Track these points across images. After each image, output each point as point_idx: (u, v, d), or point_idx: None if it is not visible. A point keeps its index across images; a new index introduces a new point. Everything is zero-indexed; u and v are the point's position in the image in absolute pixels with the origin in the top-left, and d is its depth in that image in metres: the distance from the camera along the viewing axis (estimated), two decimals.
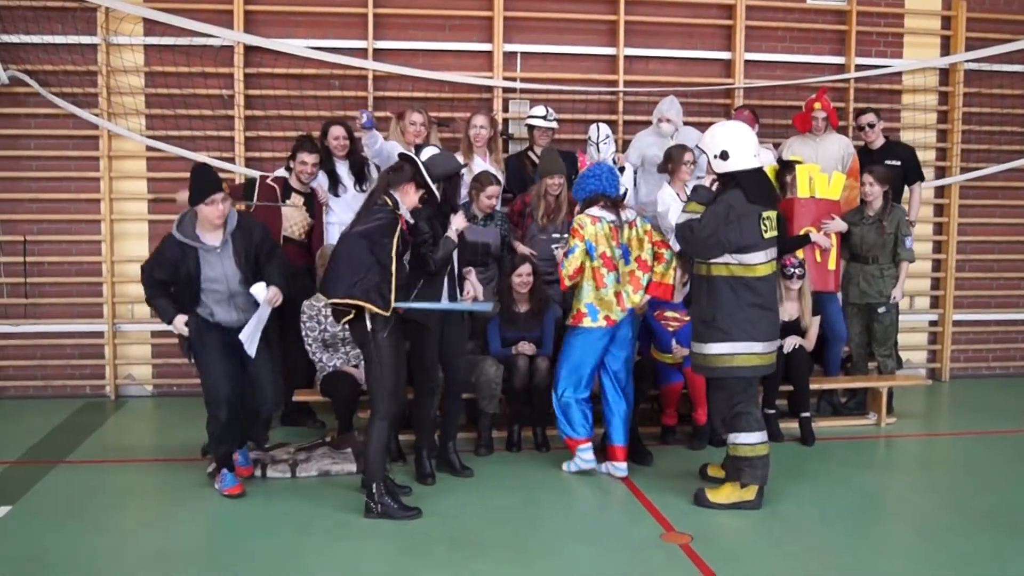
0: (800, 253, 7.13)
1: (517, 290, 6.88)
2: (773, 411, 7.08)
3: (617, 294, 6.21)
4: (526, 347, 6.83)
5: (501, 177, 7.48)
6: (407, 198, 5.63)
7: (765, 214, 5.56)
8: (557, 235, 7.09)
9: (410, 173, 5.63)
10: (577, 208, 6.44)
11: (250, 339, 5.70)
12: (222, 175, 6.45)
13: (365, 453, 5.60)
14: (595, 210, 6.24)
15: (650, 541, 5.09)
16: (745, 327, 5.57)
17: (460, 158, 7.35)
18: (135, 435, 6.85)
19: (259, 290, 5.68)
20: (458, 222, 5.95)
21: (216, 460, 5.92)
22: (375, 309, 5.33)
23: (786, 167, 7.49)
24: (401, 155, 5.94)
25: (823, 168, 7.65)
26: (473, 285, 6.39)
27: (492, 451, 6.75)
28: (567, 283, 6.24)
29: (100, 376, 8.57)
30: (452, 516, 5.49)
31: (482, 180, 7.05)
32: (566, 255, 6.18)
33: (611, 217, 6.23)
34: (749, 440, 5.62)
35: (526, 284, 6.85)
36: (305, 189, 7.24)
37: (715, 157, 5.61)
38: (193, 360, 5.82)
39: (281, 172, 7.44)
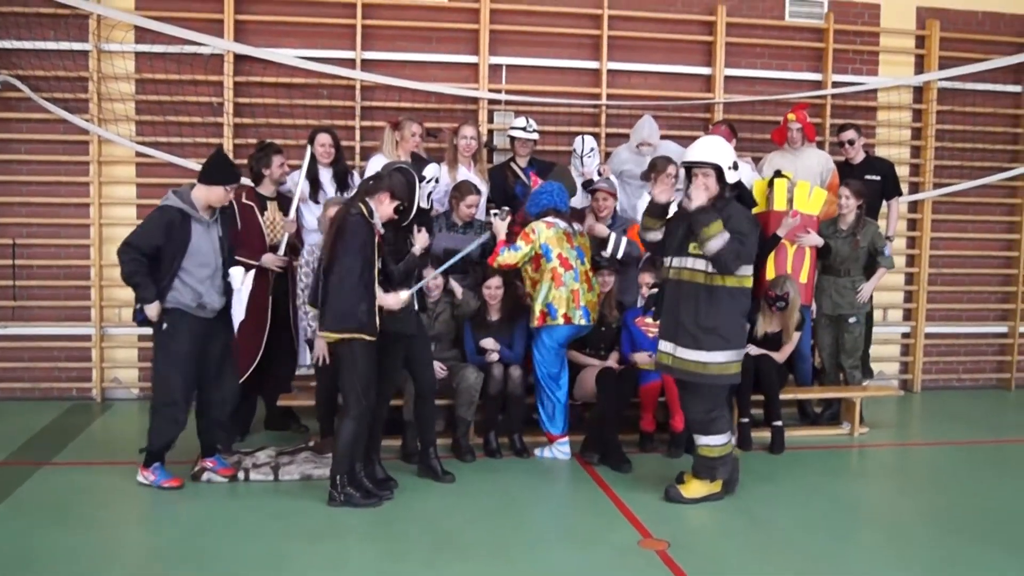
0: (789, 262, 7.43)
1: (488, 301, 7.04)
2: (747, 420, 7.24)
3: (573, 292, 6.71)
4: (490, 343, 6.92)
5: (485, 187, 7.63)
6: (382, 207, 5.75)
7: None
8: None
9: (387, 183, 5.75)
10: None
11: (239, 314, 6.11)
12: None
13: (334, 446, 5.80)
14: (548, 218, 6.79)
15: (628, 547, 5.15)
16: (741, 335, 5.89)
17: (445, 168, 7.56)
18: (121, 437, 6.90)
19: (237, 273, 6.02)
20: (420, 240, 6.09)
21: (153, 455, 6.03)
22: (368, 338, 5.61)
23: (773, 181, 7.61)
24: (393, 165, 6.02)
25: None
26: (454, 287, 6.94)
27: (475, 457, 6.81)
28: (495, 263, 6.82)
29: (87, 379, 8.64)
30: (433, 519, 5.56)
31: (462, 189, 7.21)
32: (509, 247, 6.70)
33: (563, 224, 6.81)
34: (720, 441, 5.89)
35: (495, 296, 7.00)
36: (273, 193, 7.26)
37: (729, 169, 5.81)
38: (162, 353, 5.96)
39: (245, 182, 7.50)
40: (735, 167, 5.81)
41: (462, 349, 7.15)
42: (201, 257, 5.93)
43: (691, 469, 6.03)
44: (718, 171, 5.77)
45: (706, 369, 5.76)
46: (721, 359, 5.75)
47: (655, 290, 6.19)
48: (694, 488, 5.94)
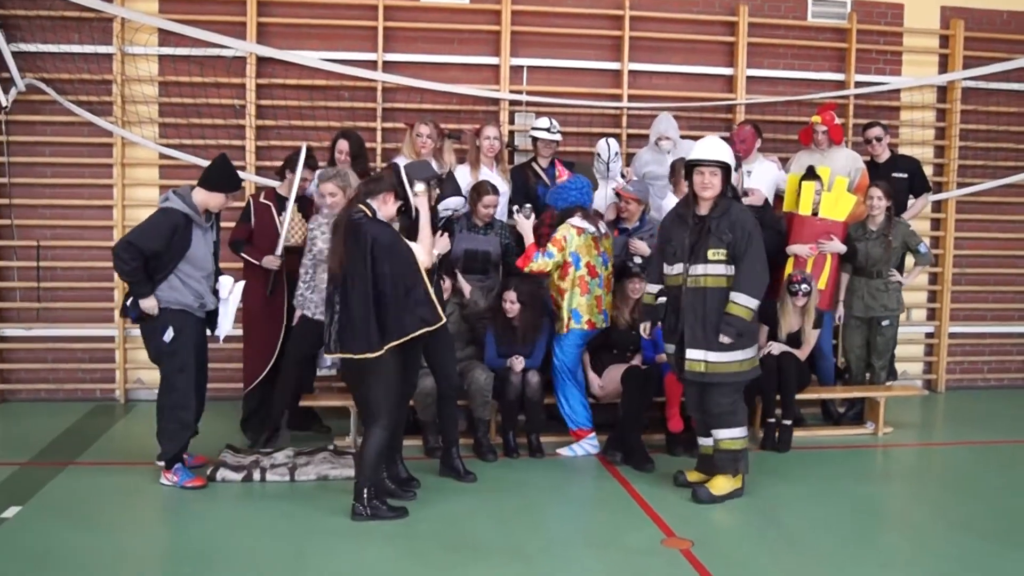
0: (809, 267, 7.38)
1: (508, 316, 6.95)
2: (773, 420, 7.23)
3: (597, 298, 6.86)
4: (516, 363, 6.90)
5: (507, 188, 7.64)
6: (385, 208, 5.62)
7: None
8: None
9: (389, 183, 5.68)
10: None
11: (225, 327, 6.14)
12: None
13: (360, 457, 5.62)
14: (578, 220, 6.78)
15: (651, 547, 5.15)
16: (756, 326, 6.07)
17: (468, 169, 7.57)
18: (143, 438, 6.90)
19: (227, 282, 6.09)
20: (440, 245, 6.09)
21: (170, 459, 6.09)
22: (435, 327, 5.60)
23: (808, 176, 7.64)
24: (389, 166, 6.08)
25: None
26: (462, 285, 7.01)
27: (498, 457, 6.82)
28: (526, 269, 6.85)
29: (110, 380, 8.69)
30: (452, 520, 5.55)
31: (480, 190, 7.21)
32: (543, 254, 6.74)
33: (592, 228, 6.82)
34: (742, 433, 5.98)
35: (511, 311, 6.90)
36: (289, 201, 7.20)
37: (735, 169, 5.97)
38: (168, 359, 6.03)
39: (271, 182, 7.61)
40: (737, 168, 5.88)
41: (478, 347, 7.15)
42: (199, 261, 6.04)
43: (714, 467, 6.01)
44: (725, 170, 5.80)
45: (741, 367, 5.86)
46: (751, 354, 5.91)
47: (662, 299, 6.09)
48: (720, 484, 5.94)
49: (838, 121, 8.20)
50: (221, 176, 6.09)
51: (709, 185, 5.79)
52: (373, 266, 5.40)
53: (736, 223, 5.77)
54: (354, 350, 5.45)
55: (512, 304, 6.87)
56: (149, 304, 5.91)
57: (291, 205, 7.00)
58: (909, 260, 8.04)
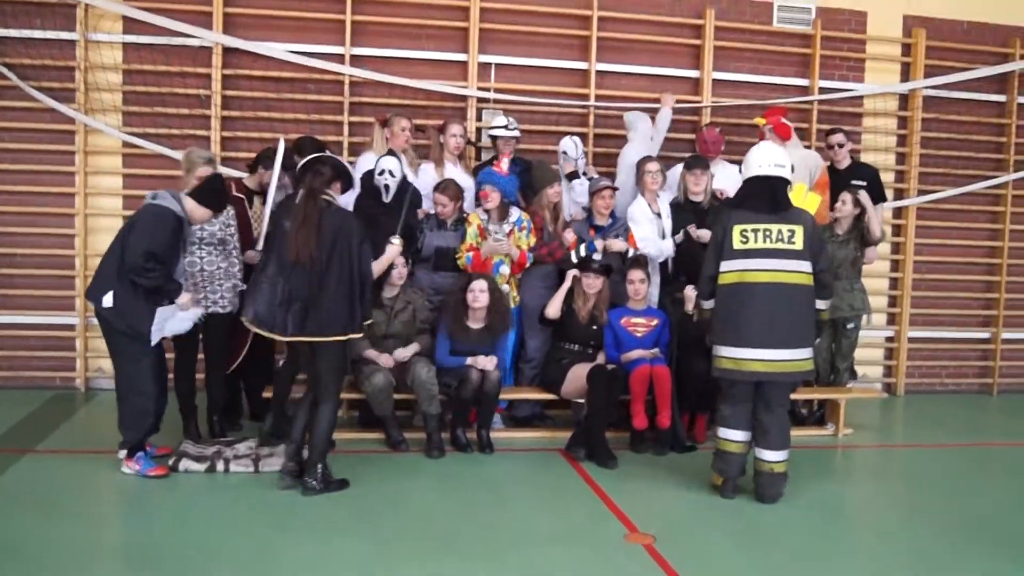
0: None
1: (471, 306, 6.93)
2: None
3: None
4: (483, 361, 6.85)
5: (471, 183, 7.66)
6: (338, 195, 6.00)
7: (743, 226, 5.80)
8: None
9: (332, 172, 5.92)
10: None
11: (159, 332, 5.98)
12: None
13: (313, 434, 5.79)
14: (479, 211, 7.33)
15: (614, 542, 5.16)
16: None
17: (432, 166, 7.62)
18: (104, 427, 6.80)
19: (185, 299, 6.00)
20: (391, 252, 6.56)
21: (132, 447, 6.04)
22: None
23: None
24: (316, 158, 6.07)
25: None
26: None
27: (444, 453, 6.75)
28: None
29: (70, 368, 8.60)
30: (417, 515, 5.53)
31: (437, 188, 7.36)
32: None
33: (483, 216, 7.38)
34: (718, 433, 6.03)
35: (479, 301, 6.90)
36: (258, 188, 7.21)
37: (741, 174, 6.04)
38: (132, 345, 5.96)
39: (237, 173, 7.64)
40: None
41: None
42: (187, 266, 6.33)
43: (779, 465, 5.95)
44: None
45: (809, 365, 5.90)
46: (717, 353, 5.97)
47: (710, 302, 6.02)
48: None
49: (784, 121, 8.22)
50: (214, 194, 6.14)
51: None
52: (351, 249, 5.64)
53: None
54: (335, 331, 5.67)
55: (482, 293, 6.87)
56: (187, 299, 5.96)
57: (270, 201, 6.94)
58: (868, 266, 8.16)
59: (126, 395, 6.02)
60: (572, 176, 7.82)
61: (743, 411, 5.92)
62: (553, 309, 7.16)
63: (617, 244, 7.38)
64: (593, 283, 7.11)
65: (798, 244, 5.78)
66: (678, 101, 8.94)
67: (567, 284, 7.17)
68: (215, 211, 6.17)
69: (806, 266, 5.82)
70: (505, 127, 7.85)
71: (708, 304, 6.03)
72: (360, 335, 5.90)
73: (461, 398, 6.83)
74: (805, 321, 5.87)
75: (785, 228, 5.78)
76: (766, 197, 5.82)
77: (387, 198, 7.07)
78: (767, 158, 5.85)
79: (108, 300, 5.84)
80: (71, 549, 4.84)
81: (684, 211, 7.61)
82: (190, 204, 6.01)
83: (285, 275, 5.68)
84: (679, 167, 7.87)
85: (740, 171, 5.99)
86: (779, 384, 5.87)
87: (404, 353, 6.86)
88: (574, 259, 7.29)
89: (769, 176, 5.81)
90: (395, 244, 6.62)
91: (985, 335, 10.18)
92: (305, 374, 6.12)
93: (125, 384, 6.02)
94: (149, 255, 5.73)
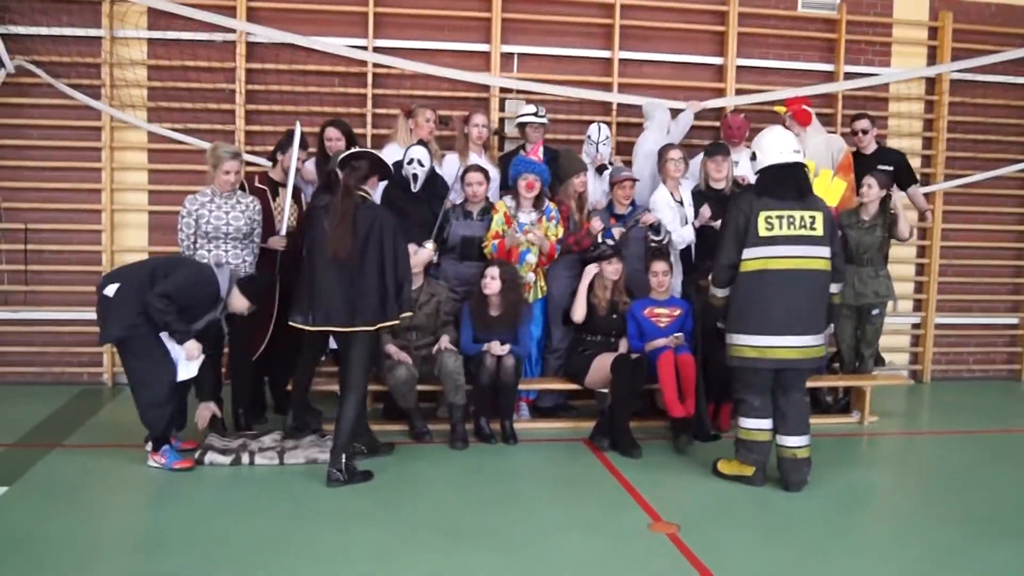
0: None
1: (485, 292, 6.96)
2: None
3: None
4: (496, 347, 6.89)
5: (496, 173, 7.67)
6: (374, 191, 6.18)
7: (768, 212, 5.77)
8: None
9: (368, 167, 6.00)
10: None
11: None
12: None
13: (339, 424, 5.88)
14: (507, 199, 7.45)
15: (638, 531, 5.16)
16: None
17: (456, 156, 7.67)
18: (130, 421, 6.85)
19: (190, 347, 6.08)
20: (423, 256, 6.74)
21: (156, 439, 6.14)
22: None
23: None
24: (352, 154, 6.15)
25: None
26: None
27: (468, 444, 6.78)
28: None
29: (98, 364, 8.69)
30: (438, 505, 5.56)
31: (468, 169, 7.40)
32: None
33: (510, 204, 7.41)
34: (743, 424, 6.00)
35: (490, 287, 6.92)
36: (286, 181, 7.23)
37: (751, 160, 6.02)
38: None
39: (262, 162, 7.77)
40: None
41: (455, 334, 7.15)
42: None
43: (802, 450, 5.96)
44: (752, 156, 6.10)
45: (824, 351, 6.06)
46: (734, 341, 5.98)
47: (725, 291, 6.03)
48: (729, 466, 6.15)
49: (805, 108, 8.21)
50: (260, 292, 6.44)
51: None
52: (384, 246, 5.80)
53: None
54: (366, 322, 5.82)
55: (492, 280, 6.90)
56: (192, 348, 6.08)
57: (290, 185, 7.03)
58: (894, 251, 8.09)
59: (135, 390, 6.11)
60: (601, 169, 7.83)
61: (767, 399, 5.93)
62: (579, 313, 7.15)
63: (648, 217, 7.38)
64: (615, 268, 7.12)
65: (819, 230, 5.79)
66: (702, 97, 8.92)
67: (585, 283, 7.13)
68: (253, 304, 6.35)
69: (826, 251, 5.84)
70: (535, 114, 7.88)
71: (723, 293, 6.02)
72: (393, 323, 6.00)
73: (479, 384, 6.85)
74: (823, 307, 5.96)
75: (807, 214, 5.78)
76: (790, 184, 5.82)
77: (415, 187, 7.12)
78: (785, 144, 5.85)
79: (111, 290, 6.00)
80: (95, 540, 4.92)
81: (705, 198, 7.59)
82: (235, 292, 6.22)
83: (325, 272, 5.83)
84: (701, 155, 7.85)
85: (753, 157, 5.94)
86: (800, 370, 5.91)
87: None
88: (598, 251, 7.26)
89: (789, 163, 5.81)
90: (428, 248, 6.80)
91: (1013, 320, 10.10)
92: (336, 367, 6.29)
93: (132, 379, 6.12)
94: (166, 297, 5.88)
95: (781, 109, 8.20)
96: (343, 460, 5.80)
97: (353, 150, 6.29)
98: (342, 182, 5.88)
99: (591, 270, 7.13)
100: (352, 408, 5.88)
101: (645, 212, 7.44)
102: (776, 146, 5.84)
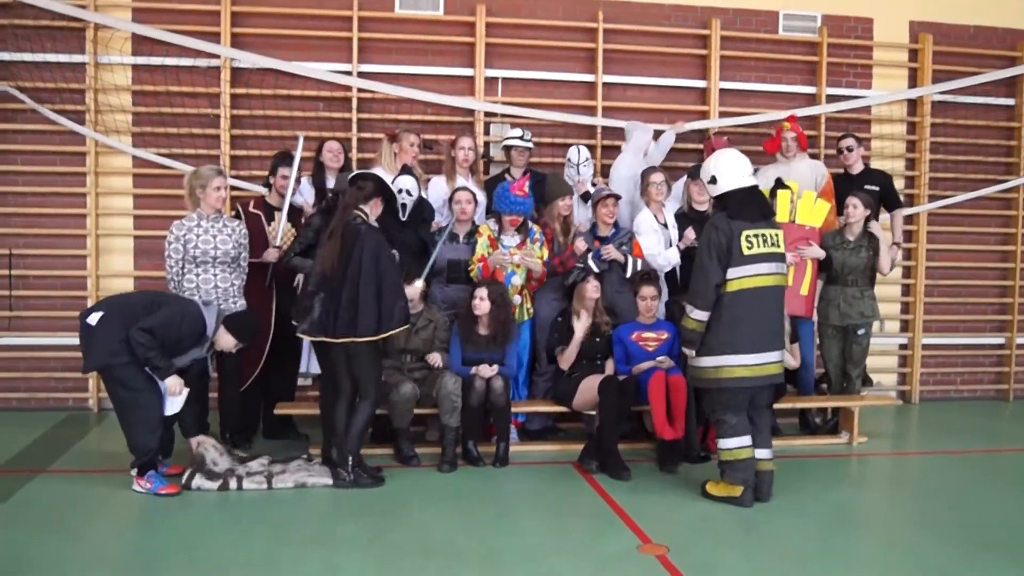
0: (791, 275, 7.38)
1: (474, 313, 6.99)
2: None
3: None
4: (485, 370, 6.91)
5: (482, 197, 7.68)
6: (374, 211, 6.35)
7: (747, 232, 5.82)
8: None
9: (373, 188, 6.30)
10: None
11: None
12: None
13: (349, 428, 6.18)
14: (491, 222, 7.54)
15: (627, 553, 5.13)
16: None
17: (443, 179, 7.68)
18: (116, 447, 6.84)
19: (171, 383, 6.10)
20: (411, 292, 6.71)
21: (142, 465, 6.10)
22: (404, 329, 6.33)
23: (776, 191, 7.66)
24: (359, 174, 6.42)
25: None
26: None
27: (456, 467, 6.76)
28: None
29: (83, 389, 8.64)
30: (426, 528, 5.51)
31: (456, 191, 7.44)
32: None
33: (494, 227, 7.47)
34: (725, 445, 6.00)
35: (480, 308, 6.95)
36: (280, 204, 7.32)
37: (708, 184, 6.05)
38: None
39: (259, 188, 7.82)
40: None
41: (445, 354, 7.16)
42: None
43: (772, 462, 6.11)
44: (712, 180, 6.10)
45: (703, 373, 6.06)
46: (709, 363, 6.06)
47: (706, 314, 5.93)
48: (718, 487, 6.13)
49: (805, 132, 8.34)
50: (247, 331, 6.44)
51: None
52: (376, 264, 6.04)
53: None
54: (365, 333, 6.03)
55: (481, 301, 6.91)
56: (173, 384, 6.10)
57: (288, 197, 7.15)
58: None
59: (122, 417, 6.11)
60: (586, 197, 7.85)
61: (743, 417, 6.02)
62: (567, 363, 7.18)
63: (614, 254, 7.33)
64: (593, 286, 7.13)
65: (781, 247, 6.00)
66: (686, 119, 8.97)
67: (579, 335, 7.09)
68: (242, 341, 6.39)
69: (785, 267, 6.08)
70: (520, 138, 7.92)
71: (703, 316, 5.95)
72: (391, 332, 6.15)
73: (469, 406, 6.83)
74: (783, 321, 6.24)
75: (772, 232, 5.97)
76: (756, 205, 5.98)
77: (404, 216, 7.14)
78: (745, 168, 6.00)
79: (94, 319, 6.03)
80: (80, 565, 4.87)
81: (690, 220, 7.63)
82: (222, 331, 6.26)
83: (322, 287, 6.09)
84: (684, 178, 7.90)
85: (713, 181, 5.97)
86: (773, 385, 6.16)
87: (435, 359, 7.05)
88: (572, 277, 7.28)
89: (753, 185, 6.00)
90: (417, 286, 6.87)
91: (1000, 340, 10.14)
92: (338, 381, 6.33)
93: (118, 406, 6.12)
94: (149, 332, 5.90)
95: (787, 124, 8.24)
96: (350, 463, 6.15)
97: (361, 171, 6.52)
98: (344, 200, 6.13)
99: (585, 324, 7.10)
100: (364, 415, 6.22)
101: (618, 248, 7.40)
102: (738, 170, 5.95)
